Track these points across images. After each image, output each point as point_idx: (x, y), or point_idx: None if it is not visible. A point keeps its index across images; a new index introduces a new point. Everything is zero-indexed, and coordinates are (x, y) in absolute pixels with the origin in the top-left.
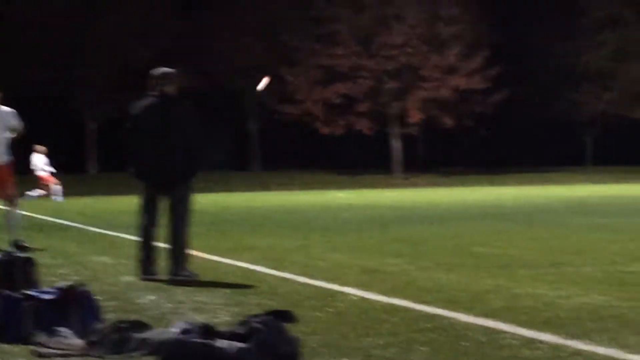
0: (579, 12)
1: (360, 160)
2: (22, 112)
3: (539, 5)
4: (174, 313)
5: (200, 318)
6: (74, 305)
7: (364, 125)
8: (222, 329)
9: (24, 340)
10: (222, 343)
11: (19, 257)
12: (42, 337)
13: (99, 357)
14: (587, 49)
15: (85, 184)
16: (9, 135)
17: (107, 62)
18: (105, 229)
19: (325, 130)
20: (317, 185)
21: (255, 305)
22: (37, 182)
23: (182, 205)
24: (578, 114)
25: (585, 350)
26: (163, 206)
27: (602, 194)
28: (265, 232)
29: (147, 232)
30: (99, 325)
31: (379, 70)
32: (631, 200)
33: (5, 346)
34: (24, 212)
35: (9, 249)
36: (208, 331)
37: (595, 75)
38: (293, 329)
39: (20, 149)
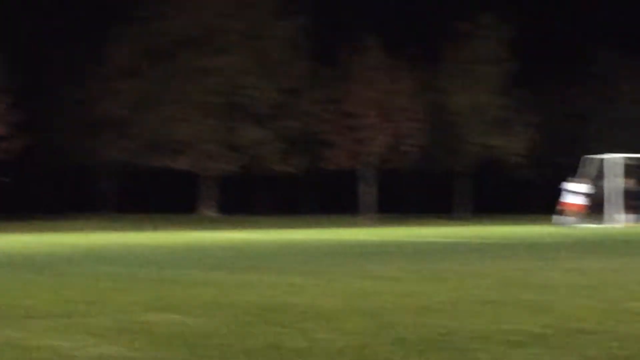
0: (98, 60)
1: None
2: None
3: (60, 51)
4: None
5: None
6: None
7: None
8: None
9: None
10: None
11: None
12: None
13: None
14: (105, 97)
15: None
16: None
17: None
18: None
19: None
20: None
21: None
22: None
23: None
24: (96, 161)
25: None
26: None
27: (121, 242)
28: None
29: None
30: None
31: None
32: (141, 248)
33: None
34: None
35: None
36: None
37: (113, 123)
38: None
39: None
